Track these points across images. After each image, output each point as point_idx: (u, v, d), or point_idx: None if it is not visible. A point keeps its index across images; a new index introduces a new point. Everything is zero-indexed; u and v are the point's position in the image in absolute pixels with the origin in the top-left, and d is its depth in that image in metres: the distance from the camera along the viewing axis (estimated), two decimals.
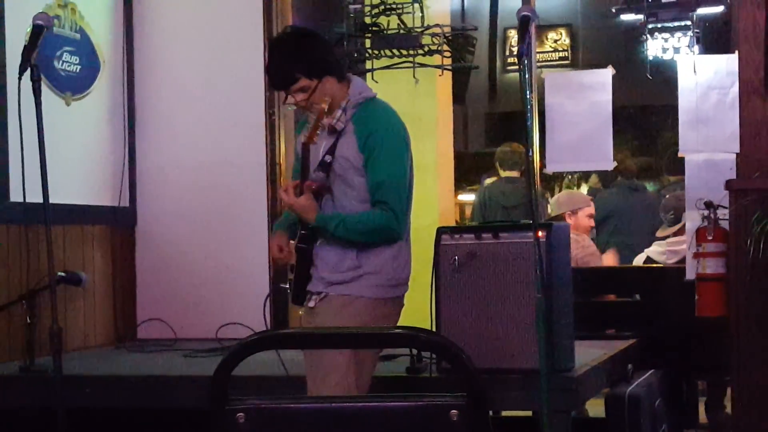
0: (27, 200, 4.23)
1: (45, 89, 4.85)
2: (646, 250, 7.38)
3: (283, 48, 4.27)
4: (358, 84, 4.29)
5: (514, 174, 8.24)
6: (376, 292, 4.14)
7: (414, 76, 6.71)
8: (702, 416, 6.95)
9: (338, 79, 4.22)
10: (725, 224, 5.62)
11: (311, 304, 4.23)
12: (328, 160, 4.20)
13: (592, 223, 7.96)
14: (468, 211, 11.22)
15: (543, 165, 6.69)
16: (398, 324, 4.16)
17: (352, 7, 6.86)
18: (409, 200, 4.21)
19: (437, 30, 6.68)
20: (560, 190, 11.69)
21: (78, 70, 6.16)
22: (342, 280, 4.16)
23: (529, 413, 5.45)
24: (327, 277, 4.19)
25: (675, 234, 7.28)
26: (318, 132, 4.13)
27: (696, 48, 6.85)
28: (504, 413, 5.84)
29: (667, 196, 7.83)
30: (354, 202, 4.18)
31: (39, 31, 4.17)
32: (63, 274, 5.51)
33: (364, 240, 4.15)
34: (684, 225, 7.10)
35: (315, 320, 4.20)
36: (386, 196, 4.10)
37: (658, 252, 7.22)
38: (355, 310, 4.12)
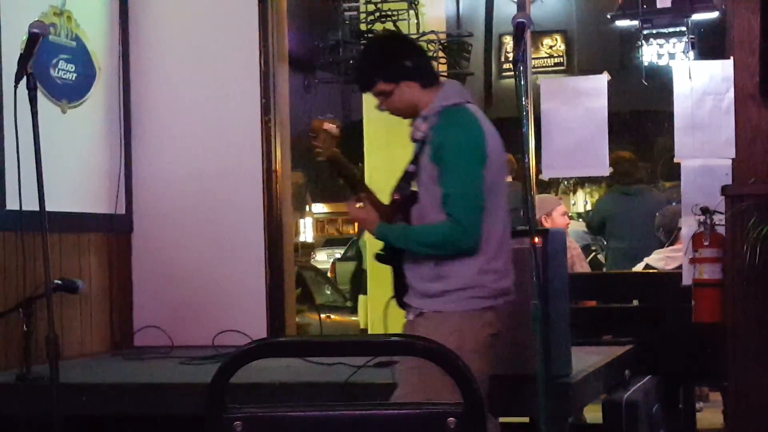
0: (23, 208, 4.23)
1: (41, 97, 4.85)
2: (645, 259, 7.40)
3: (367, 51, 4.35)
4: (446, 91, 4.16)
5: (508, 179, 8.21)
6: (469, 305, 4.03)
7: None
8: (699, 422, 6.95)
9: (422, 86, 4.14)
10: (721, 230, 5.62)
11: (410, 317, 4.19)
12: (412, 170, 4.16)
13: (568, 220, 7.98)
14: None
15: (539, 171, 6.70)
16: (493, 330, 4.09)
17: (347, 14, 6.88)
18: (484, 210, 4.03)
19: (433, 36, 6.70)
20: (556, 195, 11.68)
21: (74, 78, 6.16)
22: (432, 292, 4.08)
23: (526, 419, 5.44)
24: (417, 288, 4.13)
25: (670, 244, 7.30)
26: (319, 145, 4.17)
27: (691, 54, 6.86)
28: (501, 419, 5.83)
29: (657, 214, 7.85)
30: (437, 212, 4.07)
31: (35, 39, 4.17)
32: (59, 281, 5.50)
33: (430, 252, 4.07)
34: (676, 236, 7.12)
35: (416, 333, 4.14)
36: (453, 208, 3.98)
37: (656, 259, 7.24)
38: (452, 326, 4.02)
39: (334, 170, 4.24)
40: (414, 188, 4.19)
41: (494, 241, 4.08)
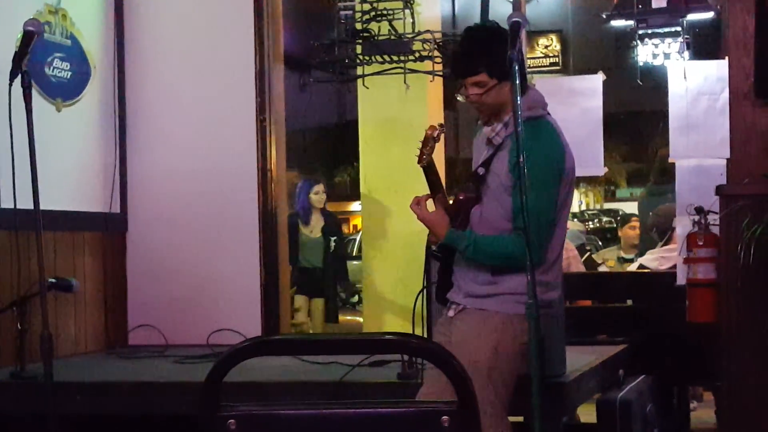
0: (18, 206, 4.22)
1: (36, 95, 4.85)
2: (639, 259, 7.40)
3: (477, 36, 4.14)
4: (530, 99, 4.10)
5: None
6: (515, 308, 4.00)
7: (405, 82, 6.71)
8: (693, 422, 6.96)
9: (522, 92, 3.94)
10: (716, 230, 5.63)
11: (450, 313, 4.18)
12: (481, 173, 4.13)
13: None
14: None
15: None
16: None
17: (343, 13, 6.86)
18: (553, 229, 4.03)
19: (428, 36, 6.68)
20: None
21: (69, 76, 6.16)
22: (479, 293, 4.09)
23: (520, 419, 5.44)
24: (465, 288, 4.13)
25: (664, 244, 7.31)
26: (426, 151, 4.08)
27: (686, 54, 6.86)
28: None
29: (651, 214, 7.86)
30: (502, 220, 4.08)
31: (30, 38, 4.16)
32: (54, 280, 5.49)
33: (494, 263, 4.07)
34: (669, 237, 7.12)
35: (453, 330, 4.13)
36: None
37: (650, 260, 7.25)
38: (493, 326, 4.03)
39: (427, 175, 4.19)
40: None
41: (553, 254, 4.10)
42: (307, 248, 9.62)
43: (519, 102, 3.50)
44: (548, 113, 4.19)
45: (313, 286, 9.72)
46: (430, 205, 4.21)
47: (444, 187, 4.30)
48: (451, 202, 4.26)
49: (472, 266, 4.12)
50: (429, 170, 4.18)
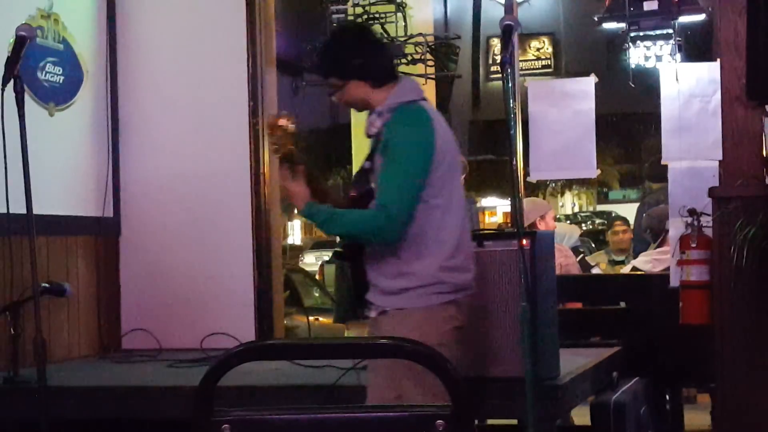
0: (10, 211, 4.22)
1: (28, 100, 4.84)
2: (632, 261, 7.41)
3: (325, 43, 4.38)
4: (401, 88, 4.19)
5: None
6: (430, 301, 4.06)
7: None
8: (687, 423, 6.96)
9: (372, 85, 4.17)
10: (709, 231, 5.64)
11: (373, 314, 4.19)
12: (367, 167, 4.19)
13: (555, 224, 8.04)
14: None
15: (526, 173, 6.71)
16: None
17: (335, 16, 6.88)
18: (415, 205, 4.04)
19: (420, 39, 6.71)
20: (544, 198, 11.70)
21: (61, 81, 6.15)
22: (393, 290, 4.11)
23: (514, 421, 5.45)
24: (379, 284, 4.15)
25: (658, 246, 7.32)
26: (279, 142, 4.15)
27: (678, 56, 6.88)
28: (489, 422, 5.84)
29: (645, 215, 7.88)
30: None
31: (22, 42, 4.16)
32: (47, 284, 5.49)
33: (357, 238, 4.15)
34: (663, 239, 7.14)
35: (380, 332, 4.15)
36: (385, 198, 4.03)
37: (643, 261, 7.26)
38: (414, 322, 4.04)
39: (289, 168, 4.24)
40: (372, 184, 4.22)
41: (451, 239, 4.11)
42: None
43: (512, 105, 3.51)
44: (423, 99, 4.24)
45: None
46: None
47: (310, 169, 4.29)
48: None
49: (380, 260, 4.13)
50: (291, 163, 4.20)
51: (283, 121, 4.17)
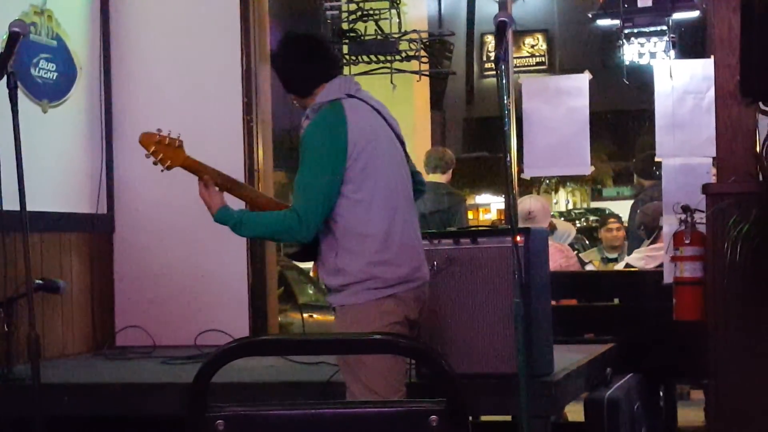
0: (4, 208, 4.21)
1: (21, 96, 4.83)
2: (626, 258, 7.41)
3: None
4: (327, 89, 4.28)
5: (437, 177, 7.95)
6: (364, 297, 4.13)
7: (391, 82, 6.73)
8: (680, 419, 6.97)
9: (300, 95, 4.32)
10: (702, 228, 5.64)
11: (333, 312, 4.34)
12: None
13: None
14: None
15: (521, 170, 6.71)
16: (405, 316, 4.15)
17: (329, 13, 6.87)
18: (325, 203, 4.11)
19: (414, 36, 6.70)
20: (538, 194, 11.70)
21: (55, 77, 6.15)
22: (333, 286, 4.20)
23: (508, 418, 5.45)
24: (326, 283, 4.25)
25: (651, 243, 7.32)
26: (161, 158, 4.44)
27: (672, 53, 6.88)
28: (483, 418, 5.85)
29: (639, 211, 7.88)
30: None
31: (15, 38, 4.16)
32: (40, 281, 5.49)
33: (271, 239, 4.31)
34: (656, 236, 7.14)
35: (335, 330, 4.31)
36: (295, 198, 4.14)
37: (636, 258, 7.26)
38: (351, 318, 4.14)
39: (196, 174, 4.35)
40: None
41: (378, 233, 4.14)
42: None
43: (506, 102, 3.50)
44: (349, 96, 4.28)
45: None
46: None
47: (212, 171, 4.46)
48: None
49: (322, 258, 4.22)
50: (193, 170, 4.42)
51: (157, 137, 4.30)
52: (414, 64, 6.72)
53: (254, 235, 4.41)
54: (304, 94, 4.30)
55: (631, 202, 8.75)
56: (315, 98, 4.26)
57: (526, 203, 7.73)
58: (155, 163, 4.39)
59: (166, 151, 4.40)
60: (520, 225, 6.65)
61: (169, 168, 4.41)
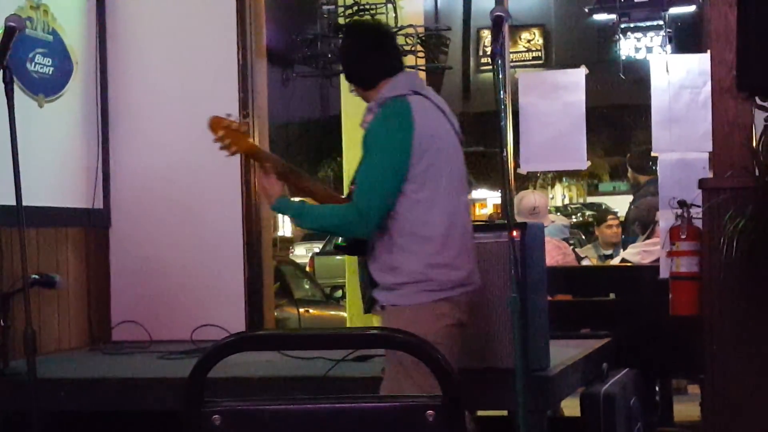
0: (0, 203, 4.21)
1: (17, 91, 4.82)
2: (622, 253, 7.42)
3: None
4: (393, 83, 4.21)
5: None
6: (419, 298, 4.06)
7: None
8: (676, 414, 6.98)
9: (363, 87, 4.27)
10: (698, 223, 5.64)
11: (377, 308, 4.21)
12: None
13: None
14: None
15: (517, 165, 6.71)
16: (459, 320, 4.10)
17: (325, 7, 6.86)
18: (386, 200, 4.04)
19: (411, 30, 6.69)
20: (534, 189, 11.70)
21: (51, 72, 6.14)
22: (386, 284, 4.12)
23: (504, 413, 5.46)
24: (377, 280, 4.16)
25: (647, 238, 7.33)
26: (227, 142, 4.28)
27: (668, 47, 6.89)
28: (479, 413, 5.85)
29: (633, 207, 7.88)
30: None
31: (11, 33, 4.16)
32: (36, 276, 5.48)
33: (329, 232, 4.25)
34: (651, 231, 7.15)
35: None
36: (356, 194, 4.08)
37: (632, 254, 7.26)
38: (405, 320, 4.01)
39: (257, 162, 4.30)
40: None
41: (437, 235, 4.08)
42: None
43: (503, 97, 3.51)
44: (414, 93, 4.21)
45: None
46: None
47: (275, 158, 4.37)
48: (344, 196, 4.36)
49: (375, 254, 4.14)
50: (256, 158, 4.32)
51: (225, 121, 4.24)
52: (410, 59, 6.70)
53: (313, 227, 4.33)
54: (368, 86, 4.24)
55: (627, 197, 8.77)
56: (379, 92, 4.19)
57: (531, 198, 7.74)
58: (221, 149, 4.30)
59: (233, 136, 4.27)
60: (525, 220, 6.67)
61: (233, 154, 4.34)
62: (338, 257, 13.19)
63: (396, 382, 4.01)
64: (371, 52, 4.30)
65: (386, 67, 4.27)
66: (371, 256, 4.17)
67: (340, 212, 4.12)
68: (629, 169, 9.17)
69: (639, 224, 7.62)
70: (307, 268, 18.09)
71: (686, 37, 7.62)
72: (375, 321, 5.63)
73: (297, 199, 4.39)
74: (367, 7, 6.75)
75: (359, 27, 4.41)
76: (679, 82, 6.12)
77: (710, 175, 5.82)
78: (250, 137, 4.29)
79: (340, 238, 4.30)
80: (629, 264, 7.18)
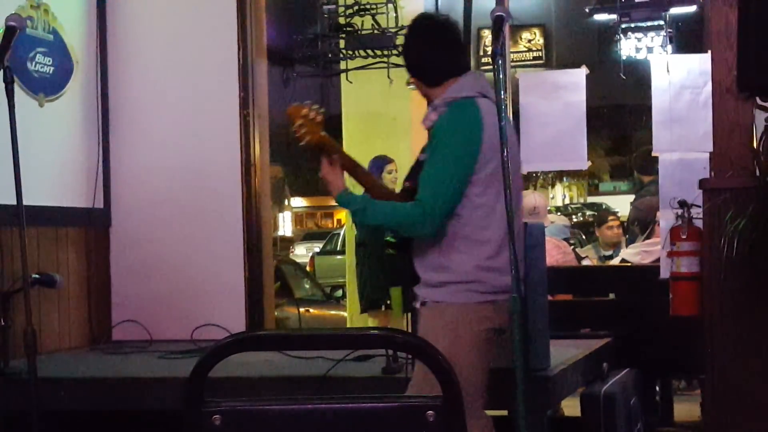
0: (0, 202, 4.21)
1: (18, 90, 4.82)
2: (621, 253, 7.41)
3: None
4: (461, 83, 4.17)
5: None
6: (466, 298, 4.05)
7: (388, 77, 6.72)
8: (676, 414, 6.98)
9: (427, 84, 4.21)
10: (699, 223, 5.64)
11: (417, 305, 4.19)
12: (422, 158, 4.17)
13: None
14: None
15: None
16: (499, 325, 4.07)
17: (326, 7, 6.87)
18: (452, 201, 4.01)
19: None
20: (535, 189, 11.69)
21: (51, 71, 6.14)
22: (433, 282, 4.10)
23: (504, 412, 5.46)
24: (422, 275, 4.14)
25: (646, 238, 7.33)
26: (303, 131, 4.17)
27: (669, 47, 6.89)
28: None
29: (632, 207, 7.88)
30: None
31: (12, 33, 4.15)
32: (37, 275, 5.48)
33: (391, 229, 4.16)
34: (651, 231, 7.15)
35: (420, 324, 4.15)
36: (422, 192, 4.02)
37: (632, 254, 7.26)
38: (449, 318, 4.04)
39: (324, 156, 4.23)
40: None
41: (495, 240, 4.06)
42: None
43: (503, 97, 3.50)
44: (482, 96, 4.16)
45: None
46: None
47: (341, 151, 4.32)
48: (398, 191, 4.31)
49: (424, 252, 4.12)
50: (326, 150, 4.22)
51: (304, 110, 4.18)
52: None
53: (376, 223, 4.19)
54: (433, 83, 4.19)
55: (628, 197, 8.78)
56: (445, 90, 4.14)
57: (531, 199, 7.73)
58: (296, 137, 4.21)
59: (309, 126, 4.19)
60: (525, 220, 6.67)
61: (306, 143, 4.22)
62: (339, 257, 13.18)
63: (426, 383, 4.00)
64: (441, 51, 4.25)
65: (455, 66, 4.22)
66: (419, 254, 4.15)
67: (405, 211, 4.06)
68: (635, 171, 9.19)
69: (638, 224, 7.62)
70: (308, 268, 18.09)
71: (687, 38, 7.62)
72: (371, 321, 5.65)
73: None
74: (368, 6, 6.75)
75: (429, 22, 4.33)
76: (679, 82, 6.11)
77: (711, 175, 5.82)
78: (322, 127, 4.20)
79: (391, 235, 4.26)
80: (629, 264, 7.18)
